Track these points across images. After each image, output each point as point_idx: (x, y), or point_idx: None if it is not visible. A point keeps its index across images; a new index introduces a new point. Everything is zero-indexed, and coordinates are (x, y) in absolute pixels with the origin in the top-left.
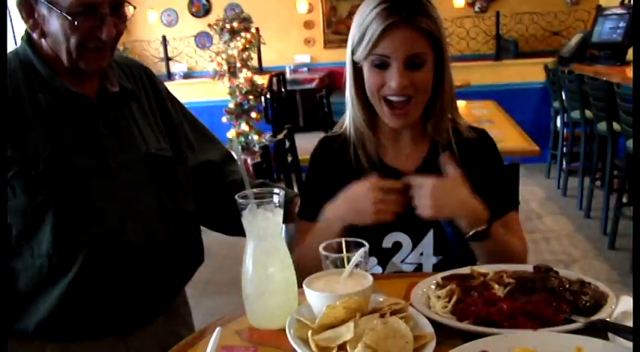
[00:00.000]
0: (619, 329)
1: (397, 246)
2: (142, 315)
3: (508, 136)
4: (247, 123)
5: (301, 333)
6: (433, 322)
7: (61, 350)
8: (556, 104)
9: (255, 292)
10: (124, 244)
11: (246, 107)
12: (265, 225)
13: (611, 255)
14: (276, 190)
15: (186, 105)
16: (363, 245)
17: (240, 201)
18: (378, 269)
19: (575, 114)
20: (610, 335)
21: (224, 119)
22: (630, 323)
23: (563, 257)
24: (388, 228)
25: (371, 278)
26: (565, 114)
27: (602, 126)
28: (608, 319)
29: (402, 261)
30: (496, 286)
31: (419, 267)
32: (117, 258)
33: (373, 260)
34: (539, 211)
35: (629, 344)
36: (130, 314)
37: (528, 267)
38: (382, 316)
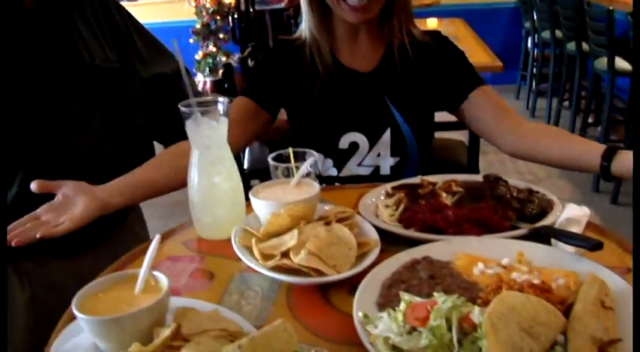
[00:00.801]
0: (561, 235)
1: (354, 146)
2: (94, 234)
3: (473, 53)
4: (215, 44)
5: (246, 242)
6: (379, 230)
7: (13, 269)
8: (527, 24)
9: (200, 202)
10: (69, 159)
11: (213, 28)
12: (209, 134)
13: (575, 174)
14: (220, 98)
15: (150, 27)
16: (313, 154)
17: (183, 109)
18: (334, 172)
19: (546, 35)
20: (553, 240)
21: (191, 40)
22: (574, 229)
23: (529, 176)
24: (344, 128)
25: (317, 186)
26: (536, 35)
27: (571, 46)
28: (554, 224)
29: (359, 164)
30: (444, 194)
31: (376, 170)
32: (63, 173)
33: (329, 162)
34: None
35: (571, 249)
36: (80, 232)
37: (478, 177)
38: (328, 224)
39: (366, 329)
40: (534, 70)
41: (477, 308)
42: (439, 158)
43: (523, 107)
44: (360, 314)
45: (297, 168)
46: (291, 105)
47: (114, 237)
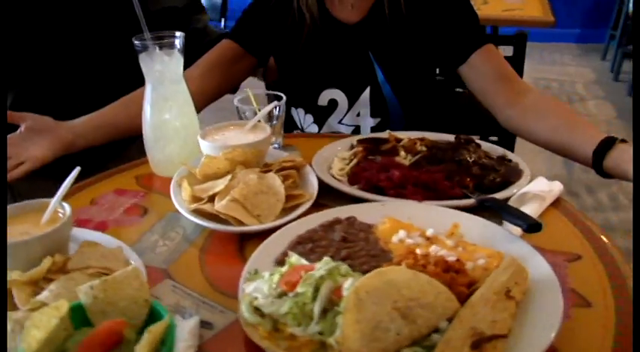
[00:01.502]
0: (503, 210)
1: (333, 104)
2: (91, 163)
3: (528, 4)
4: None
5: (185, 184)
6: (324, 183)
7: (10, 191)
8: None
9: (152, 138)
10: (63, 84)
11: None
12: (162, 68)
13: None
14: (177, 33)
15: None
16: (281, 98)
17: (136, 42)
18: (314, 129)
19: None
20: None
21: None
22: (532, 205)
23: None
24: (323, 84)
25: (268, 132)
26: None
27: None
28: (511, 197)
29: (340, 122)
30: (403, 153)
31: (356, 130)
32: (53, 97)
33: (309, 118)
34: (583, 94)
35: (515, 230)
36: (78, 161)
37: (451, 137)
38: (269, 171)
39: (244, 286)
40: (624, 30)
41: (349, 281)
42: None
43: (607, 69)
44: (254, 268)
45: (261, 110)
46: (278, 55)
47: (113, 165)
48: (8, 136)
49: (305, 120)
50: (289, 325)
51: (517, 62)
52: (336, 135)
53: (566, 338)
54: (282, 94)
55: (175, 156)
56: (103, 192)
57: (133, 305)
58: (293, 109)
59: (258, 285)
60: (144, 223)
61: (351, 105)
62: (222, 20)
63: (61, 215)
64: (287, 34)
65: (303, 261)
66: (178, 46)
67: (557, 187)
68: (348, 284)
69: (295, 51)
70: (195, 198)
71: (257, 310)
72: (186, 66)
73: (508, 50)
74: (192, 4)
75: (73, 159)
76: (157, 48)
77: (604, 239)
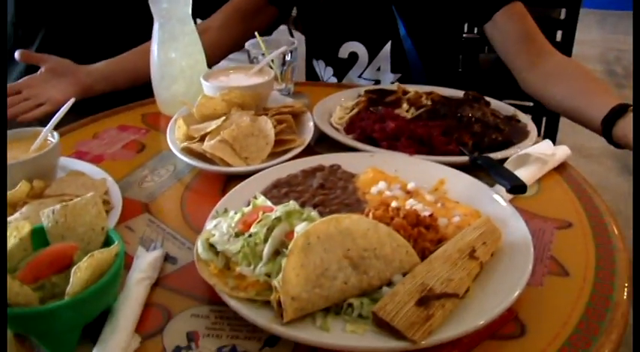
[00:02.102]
0: (493, 168)
1: (353, 57)
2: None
3: None
4: None
5: (180, 122)
6: (322, 132)
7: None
8: None
9: (158, 76)
10: (89, 21)
11: None
12: (169, 6)
13: None
14: None
15: None
16: (293, 43)
17: None
18: (334, 81)
19: None
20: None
21: None
22: (532, 167)
23: None
24: (344, 36)
25: (271, 76)
26: None
27: None
28: (508, 158)
29: (360, 76)
30: (405, 105)
31: (377, 85)
32: (78, 36)
33: (329, 70)
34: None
35: (501, 192)
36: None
37: (460, 93)
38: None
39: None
40: None
41: (302, 224)
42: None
43: None
44: (222, 207)
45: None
46: (300, 5)
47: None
48: (28, 77)
49: (325, 72)
50: (239, 264)
51: (568, 27)
52: (348, 85)
53: (532, 306)
54: (295, 41)
55: (180, 96)
56: (107, 127)
57: (90, 231)
58: (314, 61)
59: (219, 223)
60: (138, 159)
61: (371, 59)
62: None
63: (50, 143)
64: None
65: (269, 204)
66: None
67: (562, 152)
68: (299, 228)
69: (317, 1)
70: (189, 137)
71: (212, 247)
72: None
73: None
74: None
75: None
76: None
77: (600, 207)
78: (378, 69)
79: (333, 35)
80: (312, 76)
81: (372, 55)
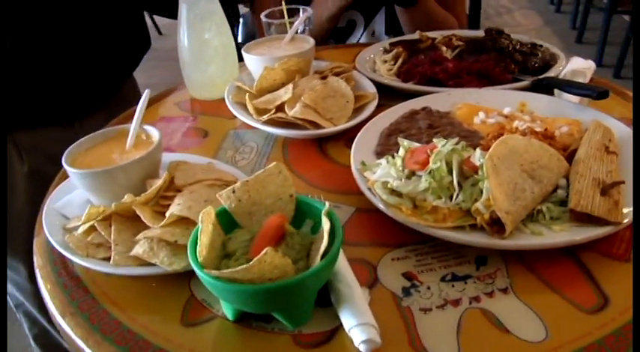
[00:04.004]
0: (565, 85)
1: (351, 24)
2: (90, 102)
3: None
4: None
5: (240, 99)
6: (377, 84)
7: (12, 143)
8: None
9: (191, 60)
10: (59, 32)
11: None
12: None
13: (578, 48)
14: None
15: None
16: (307, 10)
17: None
18: None
19: None
20: (556, 91)
21: None
22: (579, 80)
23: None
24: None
25: (312, 41)
26: None
27: None
28: (558, 76)
29: (357, 43)
30: (444, 48)
31: None
32: (53, 45)
33: (330, 42)
34: (509, 6)
35: (575, 99)
36: (77, 101)
37: (480, 32)
38: (324, 78)
39: (364, 176)
40: None
41: (478, 151)
42: None
43: None
44: (359, 161)
45: (291, 24)
46: None
47: (109, 107)
48: None
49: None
50: (430, 200)
51: None
52: (358, 45)
53: None
54: (308, 8)
55: (217, 78)
56: (150, 122)
57: (278, 201)
58: None
59: (384, 171)
60: (210, 143)
61: (367, 24)
62: None
63: (143, 138)
64: None
65: (415, 144)
66: None
67: (592, 64)
68: (477, 155)
69: None
70: (260, 111)
71: (394, 192)
72: None
73: None
74: None
75: (71, 105)
76: None
77: None
78: (373, 33)
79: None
80: None
81: (368, 20)
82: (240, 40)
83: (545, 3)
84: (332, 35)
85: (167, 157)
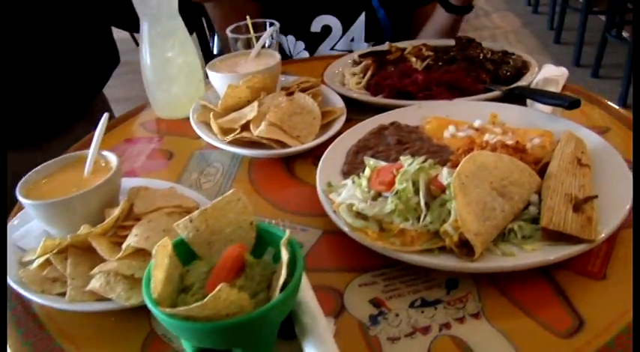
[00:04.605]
0: (536, 94)
1: (326, 30)
2: (57, 122)
3: None
4: None
5: (205, 118)
6: (346, 98)
7: None
8: None
9: (154, 79)
10: (20, 51)
11: None
12: (157, 3)
13: (556, 49)
14: None
15: None
16: (274, 24)
17: None
18: (305, 55)
19: None
20: (528, 101)
21: None
22: (551, 89)
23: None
24: (317, 9)
25: (278, 56)
26: None
27: None
28: (530, 85)
29: (332, 48)
30: (413, 59)
31: None
32: (16, 64)
33: (300, 45)
34: (486, 8)
35: (547, 109)
36: (42, 122)
37: (450, 41)
38: (290, 94)
39: (329, 198)
40: None
41: (445, 170)
42: None
43: None
44: (324, 182)
45: (257, 39)
46: None
47: (77, 126)
48: None
49: (296, 47)
50: (397, 222)
51: None
52: (328, 56)
53: None
54: (275, 21)
55: (182, 96)
56: (114, 145)
57: (238, 230)
58: (282, 37)
59: (349, 193)
60: (175, 165)
61: (345, 30)
62: None
63: (102, 165)
64: None
65: (382, 163)
66: None
67: (564, 70)
68: (445, 174)
69: None
70: (225, 131)
71: (358, 215)
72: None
73: None
74: None
75: (37, 125)
76: None
77: (614, 106)
78: (352, 39)
79: (305, 9)
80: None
81: (346, 26)
82: (215, 52)
83: (522, 4)
84: (305, 39)
85: (128, 183)
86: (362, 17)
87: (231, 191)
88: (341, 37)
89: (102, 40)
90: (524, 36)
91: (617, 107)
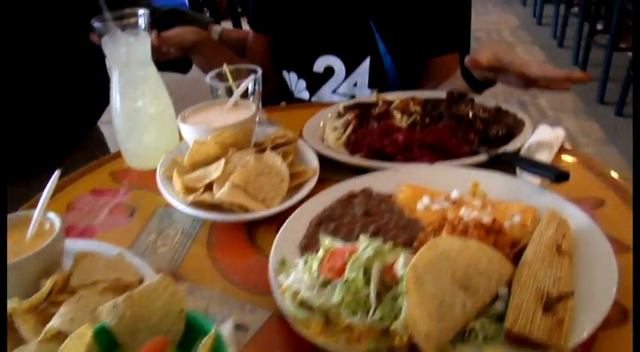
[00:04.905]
0: (523, 162)
1: (329, 72)
2: (48, 156)
3: None
4: None
5: (172, 173)
6: (323, 156)
7: None
8: None
9: (125, 129)
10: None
11: None
12: (127, 51)
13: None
14: (140, 11)
15: None
16: (255, 71)
17: (96, 24)
18: (306, 95)
19: None
20: (518, 168)
21: None
22: (544, 154)
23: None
24: (320, 49)
25: (254, 109)
26: None
27: None
28: (521, 149)
29: (334, 91)
30: (398, 115)
31: (352, 99)
32: (12, 98)
33: (302, 83)
34: (511, 40)
35: (535, 179)
36: (34, 155)
37: (442, 94)
38: (262, 151)
39: (277, 280)
40: None
41: (402, 258)
42: None
43: (529, 14)
44: (279, 257)
45: (238, 86)
46: (272, 12)
47: (67, 161)
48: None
49: (297, 85)
50: (344, 315)
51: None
52: (318, 104)
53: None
54: (257, 67)
55: (153, 147)
56: (79, 195)
57: (166, 318)
58: (285, 72)
59: (297, 276)
60: (135, 223)
61: (348, 74)
62: None
63: (47, 227)
64: None
65: (338, 244)
66: (143, 25)
67: (560, 133)
68: (401, 263)
69: (289, 10)
70: (189, 189)
71: (303, 304)
72: None
73: None
74: None
75: (26, 158)
76: (120, 29)
77: (614, 175)
78: (355, 84)
79: (308, 47)
80: (282, 88)
81: (350, 69)
82: None
83: (547, 37)
84: (307, 79)
85: (76, 245)
86: (367, 62)
87: (159, 276)
88: (344, 80)
89: (96, 74)
90: None
91: (616, 176)
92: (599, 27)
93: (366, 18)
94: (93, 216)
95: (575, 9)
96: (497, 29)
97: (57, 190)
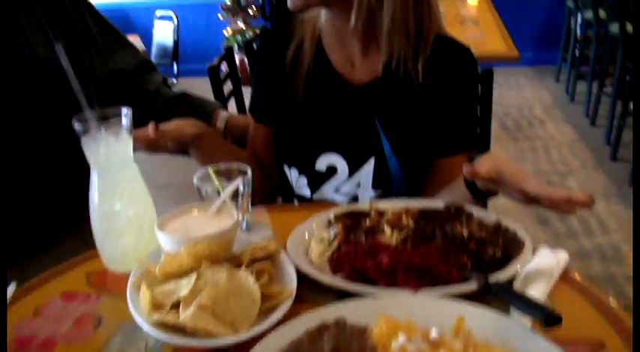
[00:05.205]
0: (514, 298)
1: (332, 171)
2: (43, 239)
3: (488, 39)
4: (244, 20)
5: (143, 288)
6: (303, 273)
7: None
8: (570, 3)
9: (102, 230)
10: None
11: (243, 4)
12: (108, 153)
13: (612, 166)
14: (123, 110)
15: (179, 4)
16: (245, 172)
17: (76, 124)
18: (307, 193)
19: (589, 15)
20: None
21: (220, 16)
22: (542, 283)
23: (561, 167)
24: (323, 146)
25: (235, 218)
26: (578, 14)
27: (614, 27)
28: (517, 275)
29: (336, 191)
30: (388, 231)
31: (353, 201)
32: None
33: (303, 180)
34: (543, 117)
35: (527, 320)
36: (28, 237)
37: (439, 204)
38: (239, 266)
39: None
40: (576, 52)
41: None
42: None
43: (562, 90)
44: None
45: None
46: (274, 107)
47: (62, 244)
48: None
49: (298, 181)
50: None
51: (485, 100)
52: (317, 204)
53: None
54: (247, 167)
55: (130, 250)
56: (49, 298)
57: None
58: (286, 167)
59: None
60: (97, 338)
61: (351, 173)
62: (175, 64)
63: None
64: (284, 84)
65: None
66: (126, 125)
67: (563, 258)
68: None
69: (292, 104)
70: (157, 305)
71: None
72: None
73: None
74: (142, 65)
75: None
76: (102, 129)
77: (619, 313)
78: (358, 185)
79: (310, 144)
80: (283, 183)
81: (353, 169)
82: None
83: (580, 115)
84: (308, 176)
85: None
86: (371, 162)
87: None
88: (346, 180)
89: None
90: (579, 150)
91: (619, 313)
92: (632, 107)
93: (372, 117)
94: (57, 324)
95: (609, 88)
96: (529, 106)
97: (29, 290)
